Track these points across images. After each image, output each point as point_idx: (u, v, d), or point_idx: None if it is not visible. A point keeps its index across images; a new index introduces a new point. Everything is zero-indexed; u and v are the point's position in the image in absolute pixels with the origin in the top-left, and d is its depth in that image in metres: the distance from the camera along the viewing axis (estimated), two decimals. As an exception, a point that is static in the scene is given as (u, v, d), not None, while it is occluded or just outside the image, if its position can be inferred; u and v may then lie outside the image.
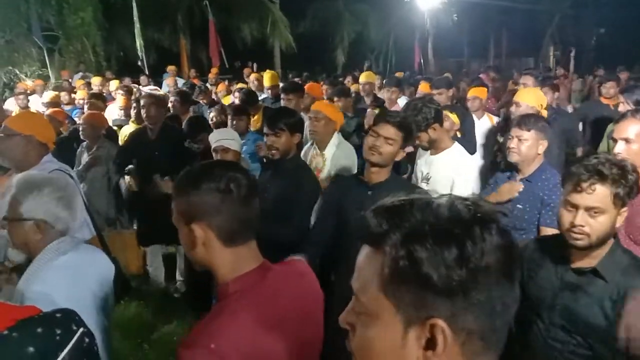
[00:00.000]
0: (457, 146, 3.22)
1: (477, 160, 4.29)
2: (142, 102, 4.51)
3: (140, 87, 9.95)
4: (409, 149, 4.26)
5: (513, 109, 4.06)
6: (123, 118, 6.33)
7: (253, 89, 8.64)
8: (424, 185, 3.17)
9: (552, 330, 1.80)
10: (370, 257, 0.78)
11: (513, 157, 2.90)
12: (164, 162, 4.12)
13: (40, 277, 1.75)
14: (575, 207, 1.73)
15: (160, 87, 9.93)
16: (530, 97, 4.13)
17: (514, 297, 0.75)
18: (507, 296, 0.74)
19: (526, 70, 6.54)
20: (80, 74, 11.85)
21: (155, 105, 4.42)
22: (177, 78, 11.54)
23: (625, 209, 1.75)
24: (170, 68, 12.30)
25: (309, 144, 3.94)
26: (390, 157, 2.55)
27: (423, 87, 6.64)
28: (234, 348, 1.17)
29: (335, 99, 5.47)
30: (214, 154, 3.56)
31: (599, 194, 1.69)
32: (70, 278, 1.79)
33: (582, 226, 1.70)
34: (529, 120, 2.92)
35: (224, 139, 3.61)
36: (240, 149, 3.81)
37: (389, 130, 2.52)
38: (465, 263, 0.70)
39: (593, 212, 1.70)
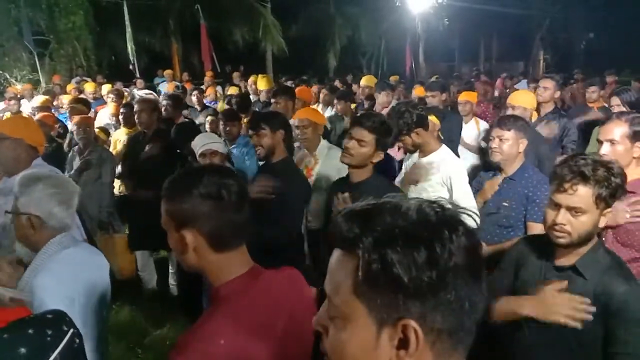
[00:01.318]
0: (444, 148, 3.26)
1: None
2: (134, 107, 4.56)
3: (136, 90, 9.91)
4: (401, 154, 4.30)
5: (510, 112, 4.10)
6: (114, 123, 6.33)
7: (250, 92, 8.68)
8: (412, 187, 3.20)
9: (533, 326, 1.82)
10: (341, 260, 0.79)
11: (495, 157, 2.99)
12: (156, 165, 4.12)
13: (46, 269, 1.80)
14: (558, 206, 1.76)
15: (154, 91, 9.87)
16: (526, 100, 4.25)
17: (481, 295, 0.77)
18: (474, 295, 0.76)
19: (547, 73, 6.35)
20: (78, 77, 11.77)
21: (146, 111, 4.45)
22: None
23: (609, 209, 1.76)
24: (167, 72, 12.25)
25: (301, 151, 3.96)
26: (362, 158, 2.61)
27: (418, 91, 6.63)
28: (224, 352, 1.18)
29: (336, 101, 5.48)
30: (201, 159, 3.57)
31: (581, 194, 1.72)
32: (74, 271, 1.84)
33: (564, 225, 1.74)
34: (509, 120, 3.06)
35: (211, 142, 3.63)
36: (226, 152, 3.87)
37: (361, 133, 2.60)
38: (434, 264, 0.72)
39: (574, 211, 1.73)
